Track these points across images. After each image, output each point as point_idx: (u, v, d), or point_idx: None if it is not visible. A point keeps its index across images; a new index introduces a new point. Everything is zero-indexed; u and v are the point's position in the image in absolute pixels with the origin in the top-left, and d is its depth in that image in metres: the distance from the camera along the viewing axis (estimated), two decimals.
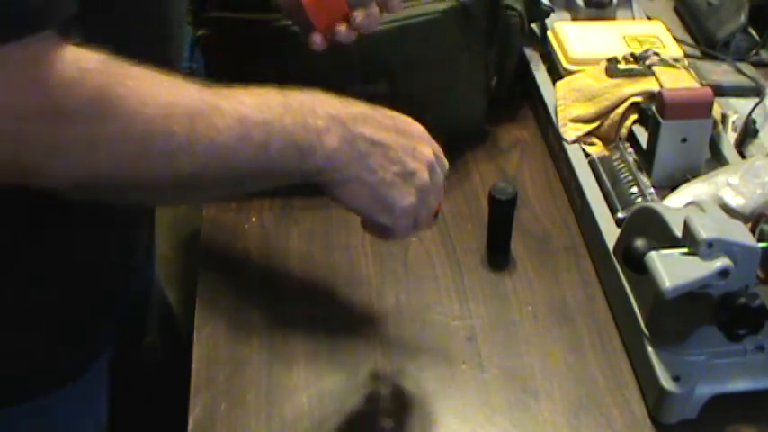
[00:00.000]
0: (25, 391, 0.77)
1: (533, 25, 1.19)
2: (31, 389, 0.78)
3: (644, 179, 0.97)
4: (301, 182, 0.70)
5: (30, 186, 0.62)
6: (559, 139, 1.05)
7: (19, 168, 0.60)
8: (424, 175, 0.72)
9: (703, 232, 0.73)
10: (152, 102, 0.62)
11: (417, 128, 0.75)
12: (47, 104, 0.58)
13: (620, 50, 1.09)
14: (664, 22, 1.20)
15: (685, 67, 1.06)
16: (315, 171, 0.69)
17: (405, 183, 0.71)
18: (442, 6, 1.01)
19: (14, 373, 0.76)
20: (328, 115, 0.68)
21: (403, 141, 0.72)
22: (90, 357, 0.83)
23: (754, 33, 1.23)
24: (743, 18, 1.21)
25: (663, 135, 0.96)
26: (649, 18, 1.26)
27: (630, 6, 1.27)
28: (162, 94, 0.62)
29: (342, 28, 0.86)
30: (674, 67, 1.05)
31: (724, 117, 1.06)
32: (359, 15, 0.84)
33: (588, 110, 1.05)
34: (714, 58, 1.20)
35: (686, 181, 0.95)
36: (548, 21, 1.19)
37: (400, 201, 0.71)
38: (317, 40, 0.86)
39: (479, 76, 1.08)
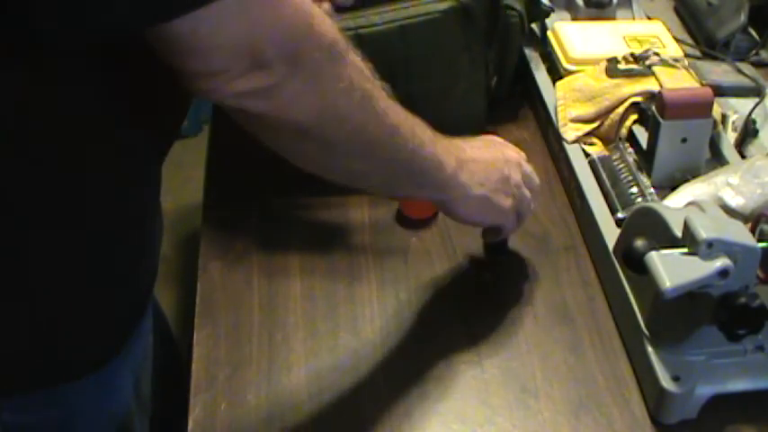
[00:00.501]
0: (37, 379, 0.79)
1: (533, 25, 1.19)
2: (43, 378, 0.79)
3: (644, 179, 0.97)
4: (426, 197, 0.86)
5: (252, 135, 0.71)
6: (559, 139, 1.06)
7: (285, 99, 0.67)
8: (516, 176, 0.86)
9: (703, 232, 0.73)
10: (364, 74, 0.72)
11: (496, 138, 0.89)
12: (319, 40, 0.66)
13: (620, 50, 1.09)
14: (664, 22, 1.20)
15: (685, 67, 1.06)
16: (441, 186, 0.80)
17: (504, 186, 0.84)
18: (442, 6, 1.01)
19: (23, 362, 0.77)
20: (442, 145, 0.80)
21: (494, 153, 0.85)
22: (104, 352, 0.83)
23: (754, 33, 1.23)
24: (743, 18, 1.21)
25: (663, 135, 0.96)
26: (649, 18, 1.26)
27: (630, 6, 1.27)
28: (366, 75, 0.72)
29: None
30: (674, 67, 1.05)
31: (724, 117, 1.06)
32: None
33: (588, 110, 1.05)
34: (714, 58, 1.20)
35: (686, 181, 0.95)
36: (548, 21, 1.19)
37: (505, 202, 0.85)
38: None
39: (479, 76, 1.08)
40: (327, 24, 0.68)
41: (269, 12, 0.63)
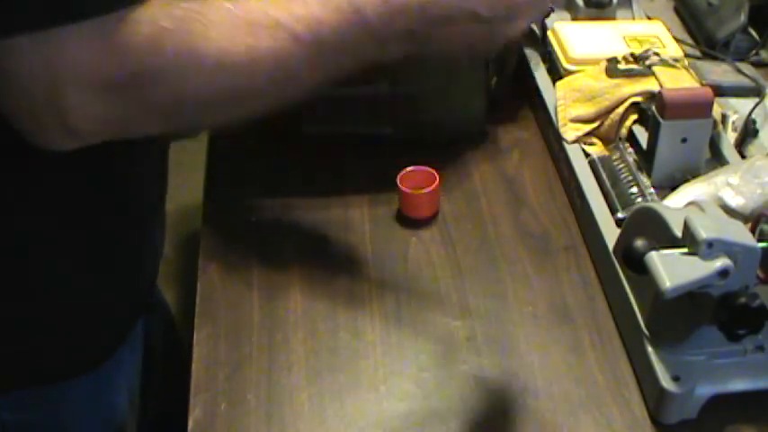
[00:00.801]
0: (37, 377, 0.79)
1: (533, 25, 1.19)
2: (42, 377, 0.79)
3: (644, 179, 0.97)
4: None
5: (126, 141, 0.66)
6: (559, 139, 1.05)
7: (119, 127, 0.63)
8: (507, 29, 0.70)
9: (703, 232, 0.73)
10: (234, 49, 0.62)
11: None
12: (133, 69, 0.60)
13: (620, 50, 1.09)
14: (664, 22, 1.20)
15: (685, 67, 1.06)
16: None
17: (479, 44, 0.70)
18: None
19: (23, 361, 0.77)
20: (404, 33, 0.66)
21: (480, 29, 0.69)
22: (102, 351, 0.83)
23: (754, 33, 1.23)
24: (743, 18, 1.21)
25: (663, 135, 0.96)
26: (649, 18, 1.26)
27: (630, 6, 1.27)
28: (242, 38, 0.63)
29: None
30: (674, 67, 1.05)
31: (724, 117, 1.06)
32: None
33: (588, 110, 1.05)
34: (714, 58, 1.20)
35: (686, 181, 0.95)
36: (548, 21, 1.19)
37: (474, 50, 0.73)
38: None
39: (479, 76, 1.08)
40: (168, 40, 0.60)
41: (65, 53, 0.58)
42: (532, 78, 1.15)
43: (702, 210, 0.79)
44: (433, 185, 0.98)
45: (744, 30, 1.21)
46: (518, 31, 0.70)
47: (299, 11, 0.64)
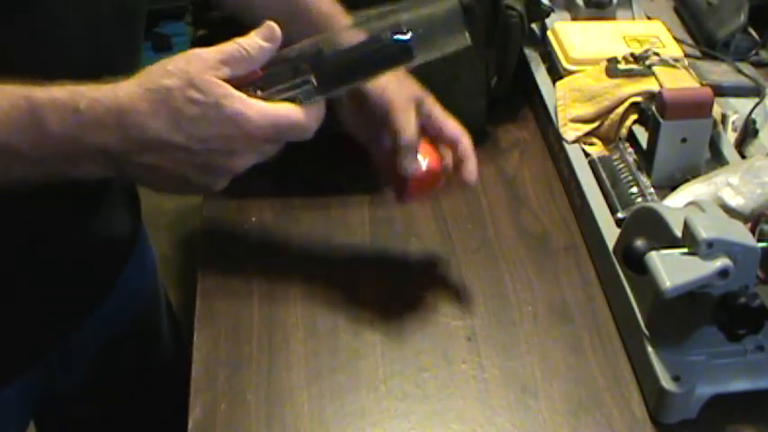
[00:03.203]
0: None
1: (533, 25, 1.19)
2: None
3: (644, 179, 0.97)
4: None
5: None
6: (559, 139, 1.06)
7: None
8: (229, 164, 0.63)
9: (703, 232, 0.73)
10: None
11: (233, 129, 0.61)
12: None
13: (620, 50, 1.09)
14: (664, 22, 1.20)
15: (685, 67, 1.06)
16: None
17: (186, 184, 0.63)
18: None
19: None
20: (97, 152, 0.59)
21: (193, 161, 0.62)
22: None
23: (754, 33, 1.23)
24: (743, 18, 1.21)
25: (663, 135, 0.96)
26: (649, 18, 1.26)
27: (630, 6, 1.27)
28: None
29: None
30: (674, 67, 1.05)
31: (724, 117, 1.06)
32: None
33: (588, 110, 1.05)
34: (714, 58, 1.20)
35: (686, 181, 0.95)
36: (548, 21, 1.19)
37: (191, 186, 0.64)
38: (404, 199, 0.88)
39: (479, 76, 1.08)
40: None
41: None
42: (532, 78, 1.15)
43: (702, 210, 0.79)
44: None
45: (744, 30, 1.21)
46: (243, 166, 0.64)
47: None
